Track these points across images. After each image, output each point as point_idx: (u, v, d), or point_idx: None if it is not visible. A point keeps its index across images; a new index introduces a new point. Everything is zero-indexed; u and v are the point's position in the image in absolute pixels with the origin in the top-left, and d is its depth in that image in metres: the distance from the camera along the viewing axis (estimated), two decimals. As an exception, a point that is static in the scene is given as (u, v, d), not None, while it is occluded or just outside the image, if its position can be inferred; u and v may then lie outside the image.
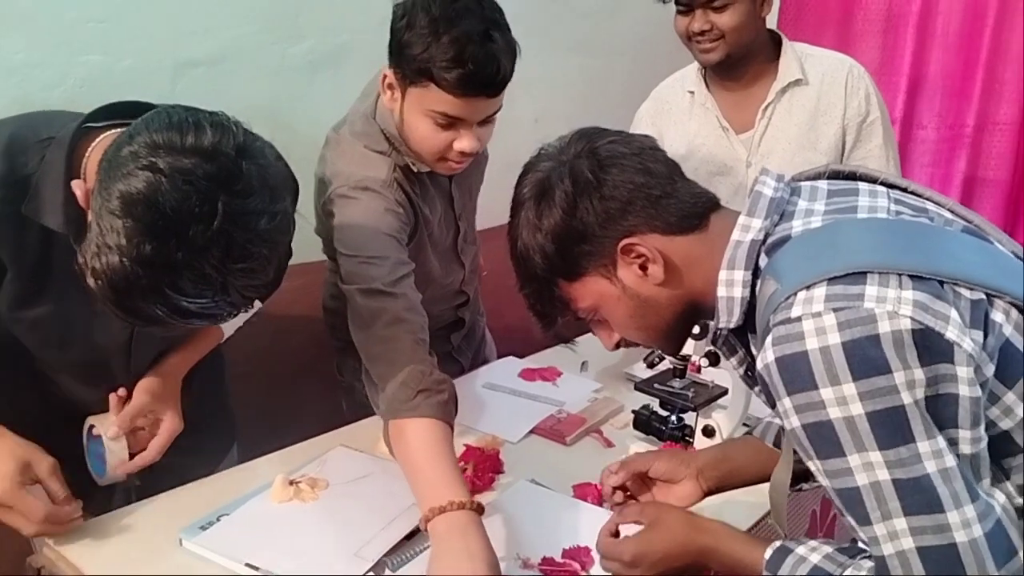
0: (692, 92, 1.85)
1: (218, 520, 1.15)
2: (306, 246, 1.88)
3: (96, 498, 1.23)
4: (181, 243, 0.85)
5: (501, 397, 1.61)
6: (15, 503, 1.07)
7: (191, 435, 1.28)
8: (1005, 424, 0.77)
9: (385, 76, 1.31)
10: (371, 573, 1.07)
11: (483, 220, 1.68)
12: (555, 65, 2.27)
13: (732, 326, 0.90)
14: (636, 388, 1.47)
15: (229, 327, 1.36)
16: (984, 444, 0.76)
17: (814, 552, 0.85)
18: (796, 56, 1.77)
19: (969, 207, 2.77)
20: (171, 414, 1.23)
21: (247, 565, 1.06)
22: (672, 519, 0.98)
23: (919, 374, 0.73)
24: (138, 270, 0.85)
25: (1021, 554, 0.75)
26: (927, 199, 0.91)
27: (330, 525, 1.16)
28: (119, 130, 0.98)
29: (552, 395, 1.60)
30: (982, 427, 0.75)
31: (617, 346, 1.01)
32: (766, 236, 0.86)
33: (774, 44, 1.79)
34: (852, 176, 0.94)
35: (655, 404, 1.44)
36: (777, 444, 1.09)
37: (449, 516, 1.01)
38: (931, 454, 0.73)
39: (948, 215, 0.89)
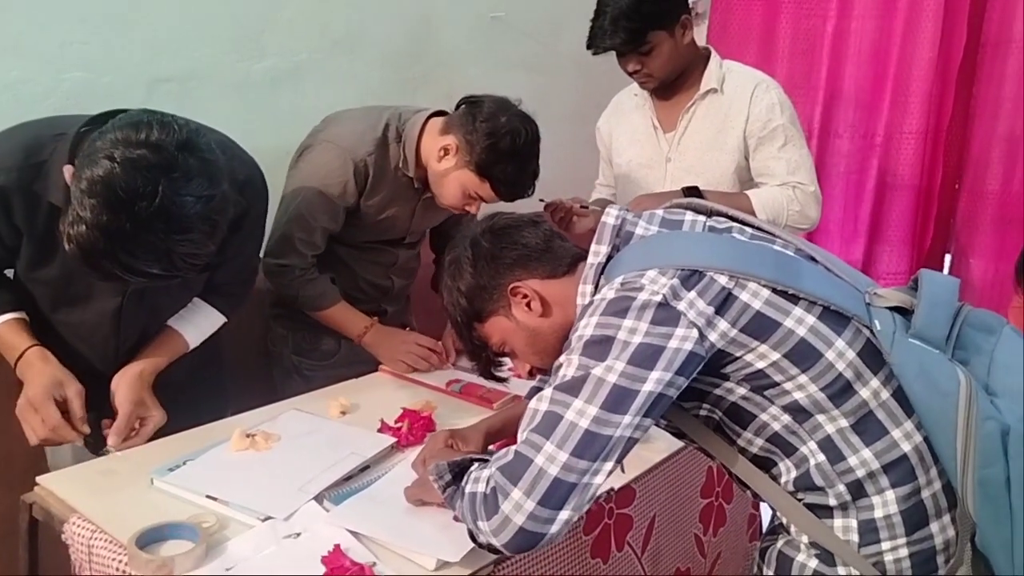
0: (636, 95, 2.16)
1: (184, 464, 1.37)
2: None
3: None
4: (129, 215, 1.12)
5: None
6: (39, 407, 1.34)
7: (184, 392, 1.53)
8: (759, 364, 1.06)
9: (447, 145, 1.72)
10: (312, 503, 1.29)
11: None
12: (502, 82, 2.41)
13: None
14: None
15: (194, 339, 1.59)
16: (669, 390, 1.01)
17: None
18: (718, 69, 2.04)
19: (881, 211, 3.00)
20: (154, 412, 1.48)
21: (208, 496, 1.29)
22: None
23: (642, 327, 1.02)
24: (98, 235, 1.12)
25: (564, 514, 1.00)
26: (765, 231, 1.18)
27: (280, 468, 1.39)
28: None
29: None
30: (672, 373, 1.01)
31: (530, 374, 1.30)
32: (608, 257, 1.16)
33: (704, 59, 2.06)
34: (689, 208, 1.24)
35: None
36: None
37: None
38: (605, 368, 1.02)
39: (780, 243, 1.16)
